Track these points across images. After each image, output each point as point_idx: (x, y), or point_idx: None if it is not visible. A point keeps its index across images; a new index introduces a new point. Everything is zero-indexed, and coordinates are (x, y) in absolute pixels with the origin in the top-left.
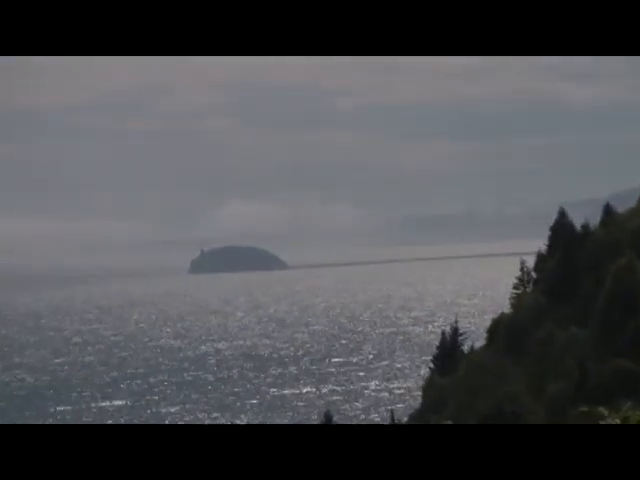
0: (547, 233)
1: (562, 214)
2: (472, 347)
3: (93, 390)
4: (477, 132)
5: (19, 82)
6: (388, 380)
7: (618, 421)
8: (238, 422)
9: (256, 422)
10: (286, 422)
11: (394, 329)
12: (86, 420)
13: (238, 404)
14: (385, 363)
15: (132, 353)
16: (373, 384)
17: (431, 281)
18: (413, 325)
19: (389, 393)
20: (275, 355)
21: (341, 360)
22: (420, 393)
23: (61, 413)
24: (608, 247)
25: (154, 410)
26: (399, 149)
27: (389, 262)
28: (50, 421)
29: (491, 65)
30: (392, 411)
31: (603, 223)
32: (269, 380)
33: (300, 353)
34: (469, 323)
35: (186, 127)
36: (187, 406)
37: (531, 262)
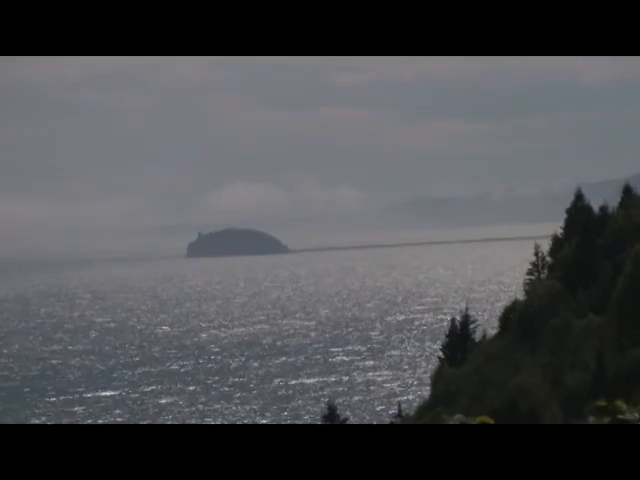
0: (563, 216)
1: (579, 196)
2: (484, 336)
3: (85, 380)
4: (489, 110)
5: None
6: (396, 370)
7: (637, 415)
8: (238, 414)
9: (257, 413)
10: (288, 412)
11: (402, 316)
12: (78, 412)
13: (239, 395)
14: (393, 352)
15: (126, 341)
16: (380, 374)
17: (440, 266)
18: (422, 312)
19: (397, 384)
20: (278, 343)
21: (347, 349)
22: (429, 384)
23: (52, 404)
24: (627, 230)
25: (150, 401)
26: (405, 129)
27: (395, 246)
28: (39, 414)
29: None
30: (399, 403)
31: (622, 205)
32: (272, 370)
33: (305, 341)
34: (480, 310)
35: (184, 105)
36: (185, 397)
37: (546, 246)
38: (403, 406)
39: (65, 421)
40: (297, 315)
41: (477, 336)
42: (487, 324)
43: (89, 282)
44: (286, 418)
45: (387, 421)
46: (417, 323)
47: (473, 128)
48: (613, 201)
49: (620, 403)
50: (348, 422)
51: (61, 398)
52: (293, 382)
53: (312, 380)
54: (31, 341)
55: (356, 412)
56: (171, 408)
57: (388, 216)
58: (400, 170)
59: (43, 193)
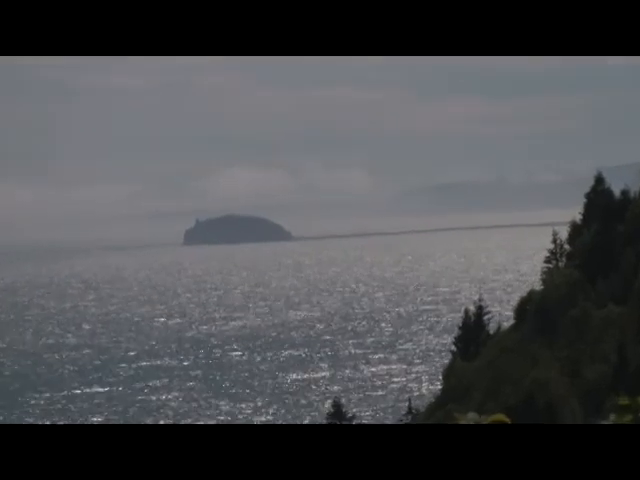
0: (582, 201)
1: (599, 179)
2: (498, 328)
3: (80, 375)
4: (506, 91)
5: None
6: (407, 364)
7: None
8: (240, 410)
9: (261, 409)
10: (293, 409)
11: (414, 307)
12: (73, 410)
13: (241, 391)
14: (404, 345)
15: (123, 334)
16: (390, 368)
17: (454, 254)
18: (434, 304)
19: (407, 379)
20: (283, 336)
21: (355, 342)
22: (441, 379)
23: (45, 401)
24: None
25: (148, 398)
26: (418, 108)
27: (407, 233)
28: (32, 412)
29: None
30: (410, 399)
31: None
32: (276, 364)
33: (311, 334)
34: (496, 301)
35: (182, 84)
36: (185, 394)
37: (564, 233)
38: (415, 402)
39: (57, 420)
40: (302, 306)
41: (492, 328)
42: (502, 315)
43: (82, 271)
44: (290, 416)
45: (396, 419)
46: (429, 315)
47: (489, 108)
48: (634, 185)
49: None
50: (355, 420)
51: (53, 394)
52: (299, 377)
53: (318, 375)
54: (20, 334)
55: (364, 409)
56: (171, 405)
57: (398, 201)
58: (411, 152)
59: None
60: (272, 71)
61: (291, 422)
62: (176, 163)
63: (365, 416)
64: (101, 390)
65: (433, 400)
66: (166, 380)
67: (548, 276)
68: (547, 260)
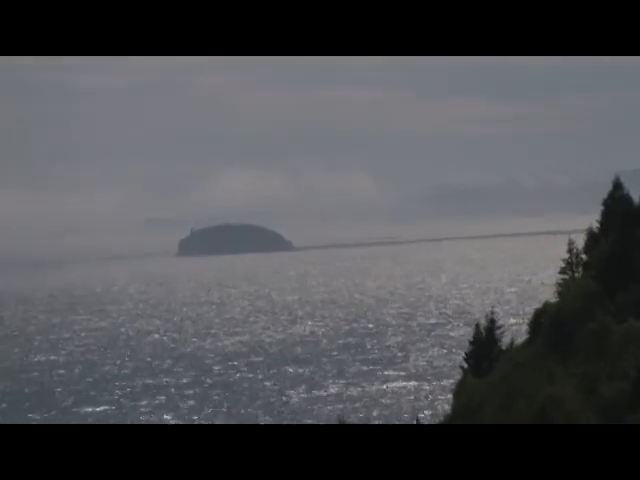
0: (599, 207)
1: (617, 184)
2: (511, 343)
3: (70, 395)
4: (517, 90)
5: None
6: (416, 381)
7: None
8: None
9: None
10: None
11: (424, 321)
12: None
13: (243, 412)
14: (413, 362)
15: (115, 350)
16: (398, 385)
17: (464, 264)
18: (447, 317)
19: (416, 396)
20: (286, 352)
21: (362, 358)
22: (451, 396)
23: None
24: None
25: (144, 418)
26: (420, 109)
27: (413, 242)
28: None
29: None
30: (418, 419)
31: None
32: (279, 382)
33: (315, 350)
34: (508, 314)
35: (176, 83)
36: (184, 413)
37: (581, 241)
38: (424, 422)
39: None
40: (305, 321)
41: (504, 343)
42: (515, 329)
43: (69, 285)
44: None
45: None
46: (439, 329)
47: (493, 108)
48: None
49: None
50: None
51: (44, 416)
52: (303, 395)
53: (324, 393)
54: (5, 352)
55: None
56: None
57: (403, 207)
58: (415, 154)
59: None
60: (272, 71)
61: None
62: (170, 167)
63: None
64: (92, 410)
65: (442, 419)
66: (163, 399)
67: (564, 288)
68: (562, 270)
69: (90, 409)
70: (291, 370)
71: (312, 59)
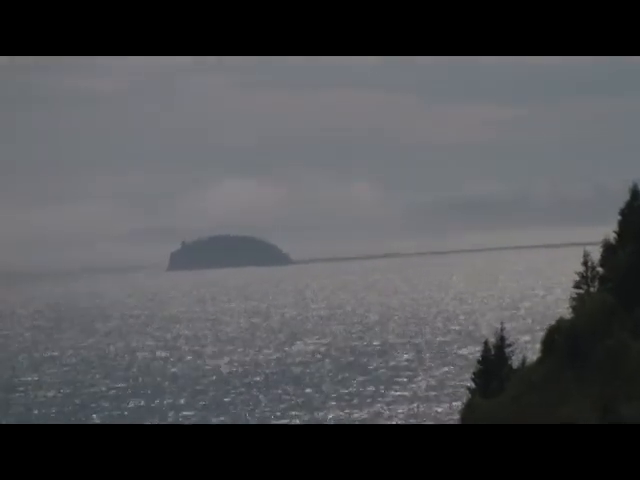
0: (616, 218)
1: (635, 193)
2: (523, 362)
3: (56, 418)
4: (529, 93)
5: None
6: (421, 402)
7: None
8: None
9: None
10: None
11: (431, 338)
12: None
13: None
14: (419, 382)
15: (102, 370)
16: (403, 408)
17: (473, 279)
18: (455, 333)
19: (421, 420)
20: (286, 372)
21: (365, 378)
22: (458, 418)
23: None
24: None
25: None
26: (430, 114)
27: (419, 255)
28: None
29: None
30: None
31: None
32: (276, 405)
33: (314, 371)
34: (520, 331)
35: (165, 85)
36: None
37: (597, 254)
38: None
39: None
40: (306, 339)
41: (515, 362)
42: (527, 347)
43: (53, 300)
44: None
45: None
46: (447, 347)
47: (505, 114)
48: None
49: None
50: None
51: None
52: (305, 418)
53: (325, 416)
54: None
55: None
56: None
57: (410, 219)
58: (424, 164)
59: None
60: (268, 73)
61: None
62: (157, 176)
63: None
64: None
65: None
66: (155, 422)
67: (579, 302)
68: (577, 285)
69: None
70: (290, 391)
71: (311, 60)
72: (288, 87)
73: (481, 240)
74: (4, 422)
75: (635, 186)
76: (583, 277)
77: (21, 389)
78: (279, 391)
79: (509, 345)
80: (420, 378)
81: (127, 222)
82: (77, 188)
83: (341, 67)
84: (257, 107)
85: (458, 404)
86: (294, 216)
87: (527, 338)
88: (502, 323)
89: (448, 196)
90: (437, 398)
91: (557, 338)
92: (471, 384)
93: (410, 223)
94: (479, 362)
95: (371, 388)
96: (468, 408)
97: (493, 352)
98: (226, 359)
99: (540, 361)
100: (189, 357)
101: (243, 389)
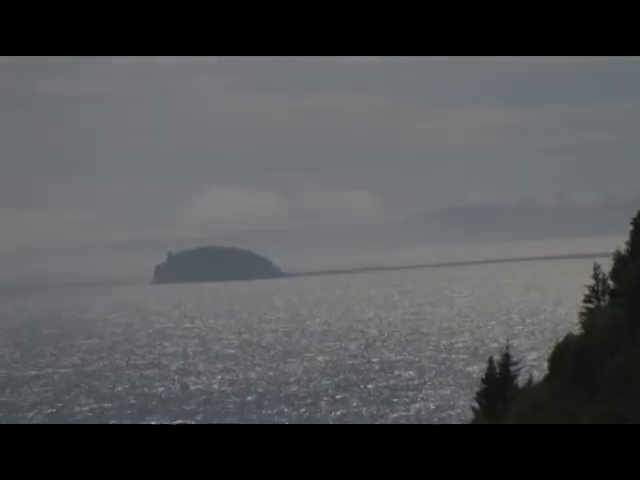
0: (628, 228)
1: None
2: (530, 380)
3: None
4: (535, 96)
5: None
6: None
7: None
8: None
9: None
10: None
11: (433, 354)
12: None
13: None
14: (420, 402)
15: (88, 391)
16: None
17: (476, 292)
18: (457, 351)
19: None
20: (280, 392)
21: (361, 399)
22: None
23: None
24: None
25: None
26: (429, 118)
27: (418, 267)
28: None
29: None
30: None
31: None
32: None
33: (308, 390)
34: (526, 349)
35: (157, 91)
36: None
37: (607, 266)
38: None
39: None
40: (302, 356)
41: (521, 381)
42: (534, 365)
43: (38, 313)
44: None
45: None
46: (449, 365)
47: (507, 119)
48: None
49: None
50: None
51: None
52: None
53: None
54: None
55: None
56: None
57: (409, 229)
58: (423, 171)
59: None
60: (263, 76)
61: None
62: (143, 184)
63: None
64: None
65: None
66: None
67: (588, 318)
68: (587, 299)
69: None
70: (285, 411)
71: (310, 61)
72: (282, 90)
73: (484, 251)
74: None
75: None
76: (593, 291)
77: None
78: (274, 409)
79: (515, 363)
80: (421, 396)
81: (109, 233)
82: (53, 197)
83: (340, 70)
84: (249, 110)
85: (458, 419)
86: (287, 227)
87: (534, 356)
88: (507, 340)
89: (450, 205)
90: (435, 413)
91: (565, 356)
92: (474, 403)
93: (410, 233)
94: (483, 381)
95: (368, 409)
96: None
97: (498, 370)
98: (218, 377)
99: (547, 380)
100: (176, 376)
101: (233, 409)
